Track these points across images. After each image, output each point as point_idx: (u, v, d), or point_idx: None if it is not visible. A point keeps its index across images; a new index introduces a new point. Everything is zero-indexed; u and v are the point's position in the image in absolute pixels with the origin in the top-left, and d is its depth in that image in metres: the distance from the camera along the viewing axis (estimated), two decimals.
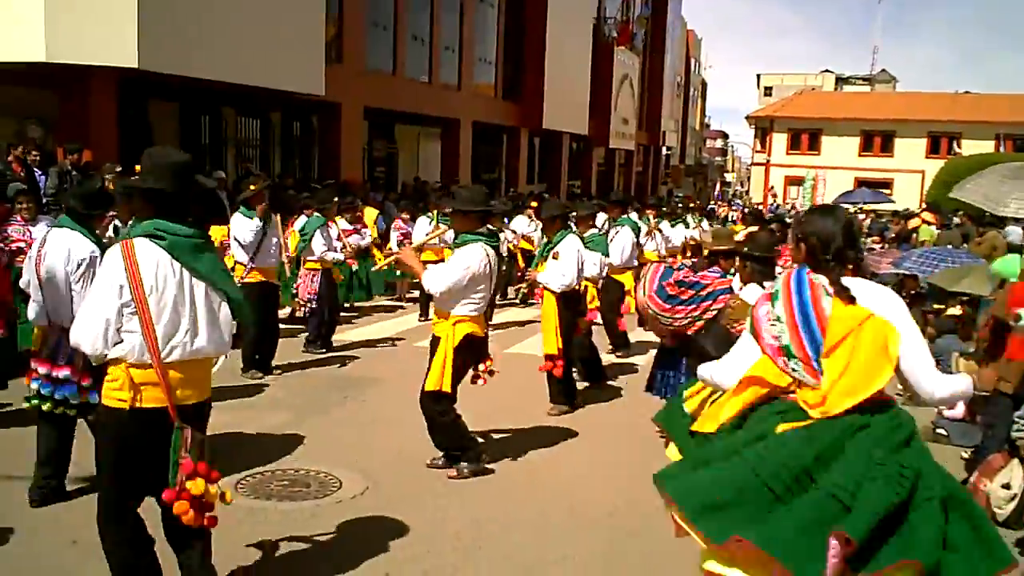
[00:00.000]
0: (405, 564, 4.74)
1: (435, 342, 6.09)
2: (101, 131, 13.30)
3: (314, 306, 10.32)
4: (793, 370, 3.28)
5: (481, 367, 6.26)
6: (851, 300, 3.27)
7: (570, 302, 7.99)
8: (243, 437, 6.86)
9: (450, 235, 6.65)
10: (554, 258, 7.94)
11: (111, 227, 8.67)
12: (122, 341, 3.54)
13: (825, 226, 3.42)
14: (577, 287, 8.05)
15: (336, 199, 11.73)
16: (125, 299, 3.51)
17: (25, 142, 12.18)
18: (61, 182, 11.52)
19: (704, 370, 3.65)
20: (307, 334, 10.46)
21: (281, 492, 5.70)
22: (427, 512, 5.51)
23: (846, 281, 3.31)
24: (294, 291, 10.64)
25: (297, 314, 12.29)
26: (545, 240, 8.26)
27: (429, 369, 6.02)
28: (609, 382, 9.28)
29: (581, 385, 8.87)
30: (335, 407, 7.97)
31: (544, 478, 6.26)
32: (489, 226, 6.37)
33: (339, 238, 11.21)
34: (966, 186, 9.84)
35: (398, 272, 9.26)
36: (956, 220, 18.55)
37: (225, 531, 5.00)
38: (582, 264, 8.07)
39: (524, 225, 14.60)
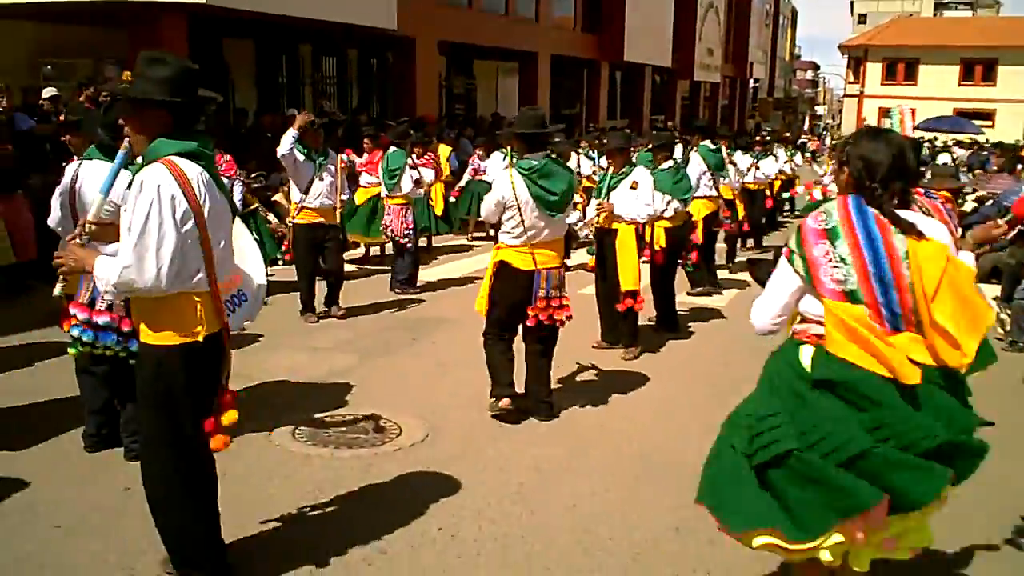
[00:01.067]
0: (462, 518, 4.52)
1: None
2: None
3: (408, 243, 10.08)
4: None
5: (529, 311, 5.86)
6: (921, 235, 2.93)
7: (639, 239, 7.67)
8: (306, 382, 6.72)
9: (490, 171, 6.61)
10: (632, 188, 7.55)
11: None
12: (193, 273, 3.35)
13: (875, 149, 3.05)
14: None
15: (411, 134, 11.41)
16: (188, 227, 3.27)
17: (97, 82, 12.18)
18: None
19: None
20: (398, 273, 10.24)
21: (340, 439, 5.54)
22: (488, 460, 5.28)
23: (901, 213, 3.00)
24: (384, 227, 10.31)
25: (373, 252, 12.18)
26: (610, 172, 7.83)
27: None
28: (685, 326, 8.89)
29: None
30: (403, 349, 7.80)
31: (613, 425, 5.97)
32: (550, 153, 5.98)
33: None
34: None
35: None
36: None
37: (280, 479, 4.90)
38: (657, 201, 7.70)
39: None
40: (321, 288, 8.86)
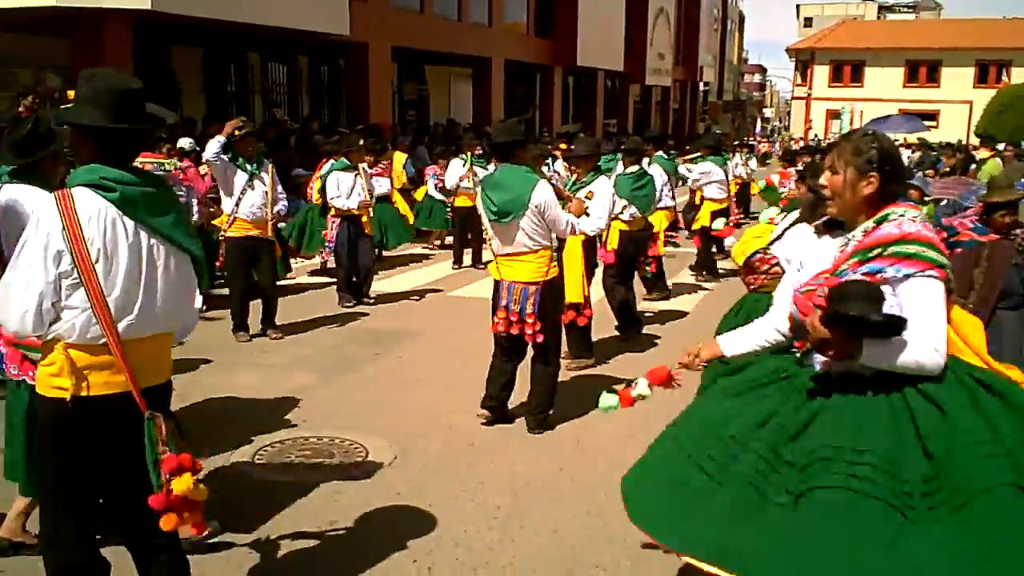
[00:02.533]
0: (439, 548, 4.26)
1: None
2: None
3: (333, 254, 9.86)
4: None
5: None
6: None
7: (590, 248, 7.49)
8: (264, 401, 6.41)
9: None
10: (588, 198, 7.36)
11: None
12: (60, 319, 2.86)
13: (898, 154, 2.85)
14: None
15: (362, 143, 11.13)
16: (65, 267, 2.81)
17: (37, 92, 11.74)
18: None
19: (885, 355, 2.70)
20: (338, 283, 9.97)
21: (303, 464, 5.25)
22: (462, 483, 5.03)
23: None
24: (324, 239, 10.07)
25: (329, 265, 11.85)
26: (574, 179, 7.64)
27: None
28: (645, 330, 8.70)
29: (603, 336, 8.36)
30: (367, 365, 7.51)
31: (588, 439, 5.76)
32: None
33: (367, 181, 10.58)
34: None
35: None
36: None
37: (240, 507, 4.59)
38: (613, 206, 7.55)
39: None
40: (257, 306, 8.41)
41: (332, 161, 10.44)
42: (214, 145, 7.82)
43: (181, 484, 2.87)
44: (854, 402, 2.74)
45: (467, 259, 12.19)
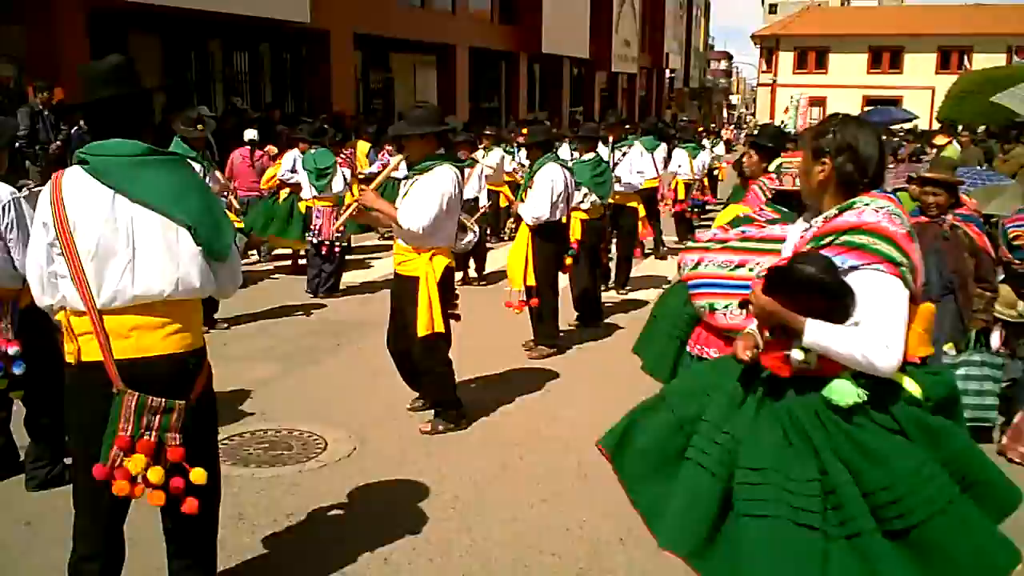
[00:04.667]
0: (394, 538, 4.24)
1: (406, 283, 5.44)
2: (73, 67, 12.56)
3: (338, 247, 9.69)
4: None
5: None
6: None
7: (549, 234, 7.38)
8: (222, 394, 6.32)
9: (402, 169, 5.84)
10: (529, 187, 7.37)
11: None
12: (63, 289, 2.97)
13: (866, 141, 2.70)
14: (554, 219, 7.34)
15: (328, 132, 11.03)
16: (51, 238, 2.94)
17: None
18: (33, 123, 10.92)
19: (829, 337, 2.57)
20: (322, 277, 9.75)
21: (260, 456, 5.21)
22: (421, 475, 5.01)
23: None
24: (312, 230, 9.82)
25: (301, 252, 11.70)
26: (529, 167, 7.66)
27: (412, 314, 5.36)
28: (609, 320, 8.74)
29: (566, 326, 8.38)
30: (327, 357, 7.46)
31: (548, 431, 5.75)
32: (459, 154, 5.76)
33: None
34: (1017, 93, 9.08)
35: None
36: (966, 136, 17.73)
37: None
38: (561, 195, 7.34)
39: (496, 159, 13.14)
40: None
41: (296, 151, 10.38)
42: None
43: (133, 464, 2.87)
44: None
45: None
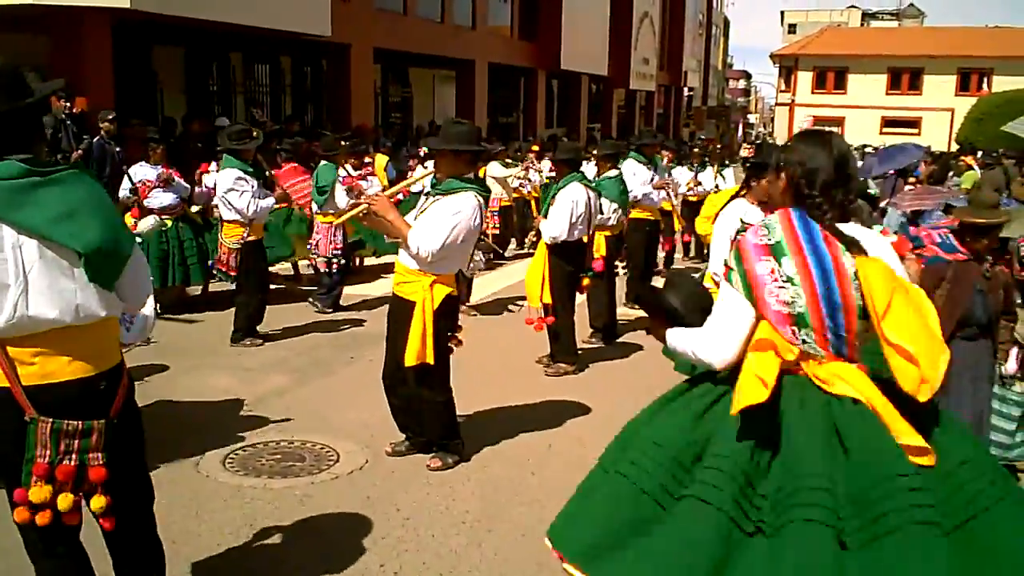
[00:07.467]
0: (404, 552, 4.27)
1: (402, 306, 5.10)
2: (96, 77, 12.71)
3: (337, 263, 9.56)
4: (804, 342, 2.66)
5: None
6: (864, 251, 2.66)
7: (566, 254, 7.35)
8: (237, 405, 6.40)
9: (427, 181, 5.61)
10: (551, 204, 7.40)
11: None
12: None
13: (814, 154, 2.78)
14: (571, 239, 7.28)
15: (343, 144, 11.06)
16: None
17: None
18: (55, 131, 11.05)
19: (679, 339, 2.92)
20: (319, 289, 9.76)
21: (273, 467, 5.24)
22: (432, 488, 5.03)
23: (842, 227, 2.73)
24: (311, 248, 9.82)
25: (303, 271, 11.75)
26: (554, 183, 7.69)
27: (403, 340, 5.04)
28: (624, 337, 8.73)
29: (588, 345, 8.38)
30: (341, 369, 7.50)
31: (561, 446, 5.76)
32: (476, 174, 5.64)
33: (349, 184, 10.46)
34: None
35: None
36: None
37: (208, 512, 4.59)
38: (581, 216, 7.29)
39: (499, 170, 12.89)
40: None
41: (321, 164, 10.39)
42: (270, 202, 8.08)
43: (36, 494, 2.81)
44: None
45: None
